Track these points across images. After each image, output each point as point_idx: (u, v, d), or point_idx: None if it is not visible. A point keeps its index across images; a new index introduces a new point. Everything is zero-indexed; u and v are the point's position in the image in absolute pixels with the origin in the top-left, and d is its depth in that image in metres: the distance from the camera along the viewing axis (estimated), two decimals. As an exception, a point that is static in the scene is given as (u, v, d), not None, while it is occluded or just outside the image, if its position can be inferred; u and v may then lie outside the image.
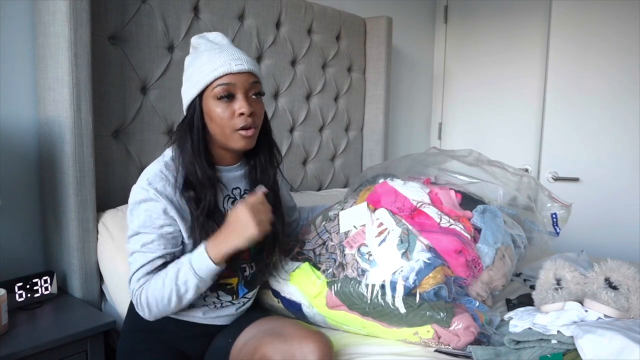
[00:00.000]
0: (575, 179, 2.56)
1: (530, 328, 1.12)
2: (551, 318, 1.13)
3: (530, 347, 1.08)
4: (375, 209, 1.32)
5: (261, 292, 1.33)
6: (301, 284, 1.25)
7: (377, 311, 1.16)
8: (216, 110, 1.06)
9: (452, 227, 1.26)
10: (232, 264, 1.15)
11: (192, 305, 1.15)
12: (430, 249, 1.21)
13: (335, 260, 1.26)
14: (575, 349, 1.02)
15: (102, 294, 1.46)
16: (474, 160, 1.52)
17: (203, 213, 1.07)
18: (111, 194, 1.52)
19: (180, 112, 1.15)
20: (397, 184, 1.38)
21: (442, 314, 1.12)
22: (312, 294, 1.23)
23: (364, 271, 1.20)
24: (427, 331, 1.13)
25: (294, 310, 1.28)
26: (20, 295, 1.32)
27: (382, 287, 1.16)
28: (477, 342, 1.12)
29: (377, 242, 1.22)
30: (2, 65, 1.40)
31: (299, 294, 1.25)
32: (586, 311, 1.14)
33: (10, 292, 1.29)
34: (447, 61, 3.10)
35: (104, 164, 1.50)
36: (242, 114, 1.06)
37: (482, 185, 1.48)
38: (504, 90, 2.86)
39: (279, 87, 2.05)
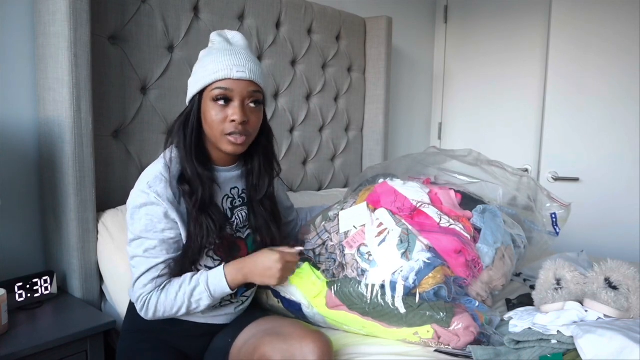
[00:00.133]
0: (575, 179, 2.55)
1: (530, 328, 1.12)
2: (551, 318, 1.13)
3: (530, 347, 1.08)
4: (375, 209, 1.31)
5: (261, 292, 1.33)
6: (301, 284, 1.25)
7: (377, 311, 1.16)
8: (211, 111, 1.07)
9: (452, 227, 1.26)
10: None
11: (191, 305, 1.16)
12: (430, 249, 1.21)
13: (335, 261, 1.26)
14: (575, 349, 1.02)
15: (102, 294, 1.46)
16: (474, 160, 1.52)
17: (196, 206, 1.07)
18: (111, 194, 1.52)
19: (181, 112, 1.15)
20: (397, 184, 1.38)
21: (442, 314, 1.12)
22: (312, 294, 1.23)
23: (363, 271, 1.20)
24: (427, 331, 1.13)
25: (294, 310, 1.28)
26: (20, 295, 1.32)
27: (382, 287, 1.16)
28: (477, 342, 1.12)
29: (377, 242, 1.22)
30: (2, 65, 1.40)
31: (299, 294, 1.25)
32: (586, 311, 1.14)
33: (10, 292, 1.29)
34: (447, 61, 3.10)
35: (104, 164, 1.50)
36: (233, 120, 1.06)
37: (482, 185, 1.48)
38: (504, 90, 2.86)
39: (279, 87, 2.05)
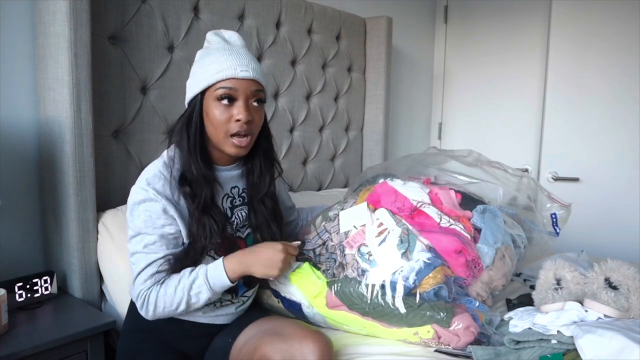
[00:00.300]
0: (575, 179, 2.55)
1: (530, 328, 1.12)
2: (551, 318, 1.13)
3: (530, 347, 1.08)
4: (375, 209, 1.31)
5: (261, 292, 1.33)
6: (301, 284, 1.25)
7: (377, 311, 1.16)
8: (214, 111, 1.06)
9: (452, 227, 1.26)
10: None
11: (192, 305, 1.15)
12: (430, 249, 1.21)
13: (335, 260, 1.26)
14: (575, 349, 1.02)
15: (102, 294, 1.46)
16: (474, 161, 1.52)
17: (198, 208, 1.07)
18: (111, 194, 1.52)
19: (180, 112, 1.15)
20: (397, 184, 1.38)
21: (442, 314, 1.12)
22: (312, 294, 1.23)
23: (364, 271, 1.20)
24: (427, 331, 1.13)
25: (294, 310, 1.27)
26: (20, 295, 1.32)
27: (382, 287, 1.16)
28: (477, 342, 1.12)
29: (377, 242, 1.22)
30: (2, 65, 1.40)
31: (299, 294, 1.25)
32: (586, 311, 1.14)
33: (10, 292, 1.29)
34: (447, 61, 3.10)
35: (104, 164, 1.50)
36: (238, 120, 1.06)
37: (482, 185, 1.48)
38: (504, 90, 2.86)
39: (279, 87, 2.05)
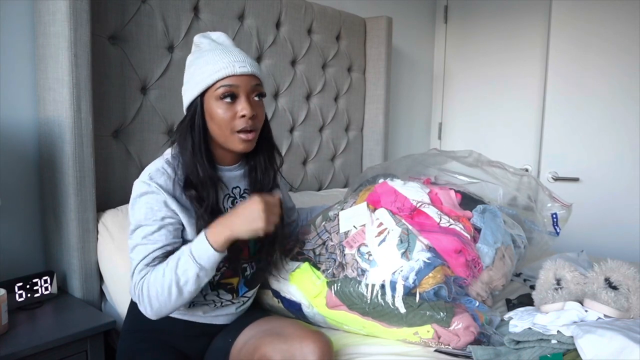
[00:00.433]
0: (575, 179, 2.55)
1: (530, 328, 1.12)
2: (551, 318, 1.13)
3: (530, 347, 1.08)
4: (375, 209, 1.31)
5: (261, 292, 1.33)
6: (301, 284, 1.25)
7: (377, 311, 1.16)
8: (218, 110, 1.06)
9: (452, 227, 1.26)
10: (233, 264, 1.16)
11: (192, 304, 1.15)
12: (430, 248, 1.21)
13: (335, 260, 1.26)
14: (575, 349, 1.02)
15: (102, 294, 1.46)
16: (474, 161, 1.52)
17: (207, 211, 1.07)
18: (111, 194, 1.52)
19: (180, 112, 1.15)
20: (397, 184, 1.38)
21: (442, 313, 1.12)
22: (312, 293, 1.23)
23: (363, 271, 1.20)
24: (427, 331, 1.13)
25: (294, 310, 1.28)
26: (20, 295, 1.32)
27: (382, 287, 1.16)
28: (477, 342, 1.12)
29: (377, 242, 1.22)
30: (2, 65, 1.40)
31: (299, 294, 1.25)
32: (586, 311, 1.14)
33: (10, 292, 1.29)
34: (447, 61, 3.10)
35: (104, 164, 1.50)
36: (243, 115, 1.06)
37: (482, 185, 1.48)
38: (504, 90, 2.86)
39: (279, 87, 2.05)
